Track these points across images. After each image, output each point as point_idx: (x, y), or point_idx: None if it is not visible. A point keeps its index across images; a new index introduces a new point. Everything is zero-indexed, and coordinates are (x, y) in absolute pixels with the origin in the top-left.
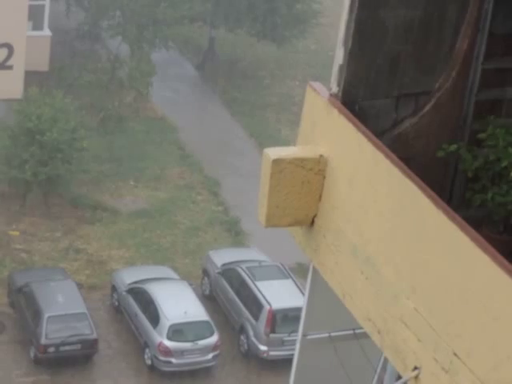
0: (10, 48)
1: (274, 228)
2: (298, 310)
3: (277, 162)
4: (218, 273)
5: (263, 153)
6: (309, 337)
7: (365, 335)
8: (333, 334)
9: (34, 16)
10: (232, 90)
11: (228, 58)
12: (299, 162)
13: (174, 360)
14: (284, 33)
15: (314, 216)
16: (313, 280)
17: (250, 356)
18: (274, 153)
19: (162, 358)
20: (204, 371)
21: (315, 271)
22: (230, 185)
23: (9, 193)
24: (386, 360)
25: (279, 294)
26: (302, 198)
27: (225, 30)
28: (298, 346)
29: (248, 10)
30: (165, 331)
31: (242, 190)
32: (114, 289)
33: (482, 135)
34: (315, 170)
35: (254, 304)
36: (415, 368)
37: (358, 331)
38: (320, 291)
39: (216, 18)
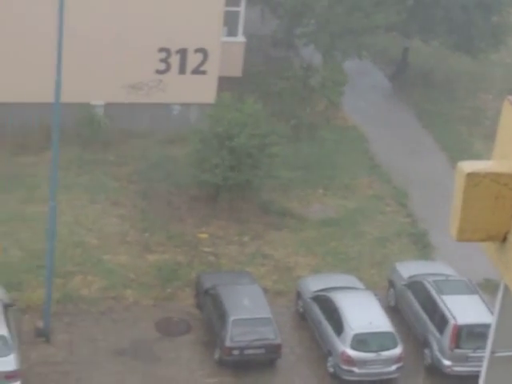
0: (204, 53)
1: (464, 242)
2: (484, 326)
3: (471, 175)
4: (404, 285)
5: (457, 166)
6: (497, 354)
7: None
8: None
9: (229, 22)
10: (424, 102)
11: (421, 69)
12: (494, 177)
13: (356, 369)
14: (479, 45)
15: (507, 232)
16: (504, 296)
17: (434, 370)
18: (468, 166)
19: (344, 366)
20: (386, 383)
21: (506, 288)
22: (419, 197)
23: (199, 196)
24: None
25: (465, 310)
26: (495, 213)
27: (419, 41)
28: (485, 363)
29: (443, 21)
30: (348, 340)
31: (431, 202)
32: (299, 295)
33: None
34: (510, 186)
35: (439, 318)
36: None
37: None
38: (511, 308)
39: (410, 28)
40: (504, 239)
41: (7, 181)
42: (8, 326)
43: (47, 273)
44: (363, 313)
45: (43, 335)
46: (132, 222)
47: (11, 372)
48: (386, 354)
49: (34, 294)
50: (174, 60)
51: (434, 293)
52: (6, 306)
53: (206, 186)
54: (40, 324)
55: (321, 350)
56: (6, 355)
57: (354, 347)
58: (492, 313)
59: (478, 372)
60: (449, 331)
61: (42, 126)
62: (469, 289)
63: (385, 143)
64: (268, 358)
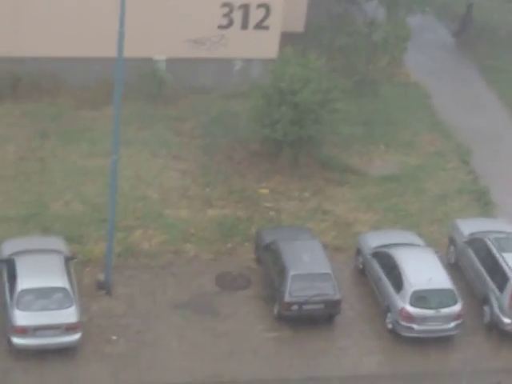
0: (267, 8)
1: None
2: None
3: None
4: (465, 242)
5: None
6: None
7: None
8: None
9: None
10: (488, 58)
11: (485, 25)
12: None
13: (415, 326)
14: None
15: None
16: None
17: (493, 328)
18: None
19: (403, 323)
20: (445, 340)
21: None
22: (481, 154)
23: (260, 151)
24: None
25: None
26: None
27: None
28: None
29: None
30: (408, 297)
31: (493, 159)
32: (358, 251)
33: None
34: None
35: (499, 276)
36: None
37: None
38: None
39: None
40: None
41: (69, 135)
42: (69, 278)
43: (109, 227)
44: (423, 269)
45: (104, 288)
46: (193, 176)
47: (72, 324)
48: (445, 310)
49: (96, 248)
50: (237, 15)
51: (494, 250)
52: (67, 259)
53: (268, 142)
54: (101, 277)
55: (380, 307)
56: (67, 307)
57: (413, 304)
58: None
59: None
60: (509, 289)
61: (104, 81)
62: None
63: (447, 99)
64: (327, 314)
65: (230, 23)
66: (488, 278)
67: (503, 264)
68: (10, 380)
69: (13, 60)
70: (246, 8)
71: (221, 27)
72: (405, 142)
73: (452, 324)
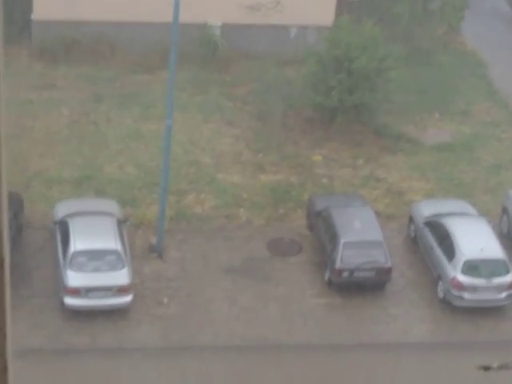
0: None
1: None
2: None
3: None
4: None
5: None
6: None
7: None
8: None
9: None
10: None
11: None
12: None
13: (466, 295)
14: None
15: None
16: None
17: None
18: None
19: (454, 292)
20: (496, 310)
21: None
22: None
23: (314, 118)
24: None
25: None
26: None
27: None
28: None
29: None
30: (459, 266)
31: None
32: (411, 220)
33: None
34: None
35: None
36: None
37: None
38: None
39: None
40: None
41: (124, 99)
42: (121, 241)
43: (161, 190)
44: (475, 239)
45: (156, 251)
46: (246, 142)
47: (124, 286)
48: (496, 280)
49: (148, 211)
50: None
51: None
52: (120, 222)
53: (321, 109)
54: (153, 240)
55: (431, 275)
56: (119, 269)
57: (464, 273)
58: None
59: None
60: None
61: (159, 46)
62: None
63: (505, 69)
64: (378, 281)
65: None
66: None
67: None
68: (62, 340)
69: (69, 24)
70: None
71: None
72: (460, 110)
73: (504, 294)
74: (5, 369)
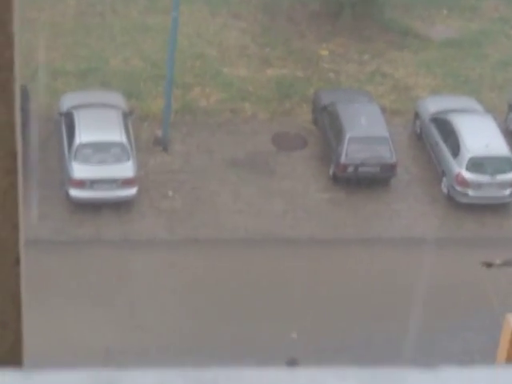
0: None
1: None
2: None
3: None
4: None
5: None
6: None
7: None
8: None
9: None
10: None
11: None
12: None
13: (470, 192)
14: None
15: None
16: None
17: None
18: None
19: (458, 188)
20: (500, 206)
21: None
22: None
23: (320, 12)
24: None
25: None
26: None
27: None
28: None
29: None
30: (464, 162)
31: None
32: (417, 116)
33: None
34: None
35: None
36: None
37: None
38: None
39: None
40: None
41: None
42: (127, 133)
43: (167, 83)
44: (481, 136)
45: (161, 144)
46: (252, 35)
47: (129, 178)
48: (501, 177)
49: (154, 104)
50: None
51: None
52: (125, 114)
53: (328, 2)
54: (158, 133)
55: (436, 172)
56: (124, 162)
57: (469, 169)
58: None
59: None
60: None
61: None
62: None
63: None
64: (382, 177)
65: None
66: None
67: None
68: (67, 231)
69: None
70: None
71: None
72: (468, 6)
73: (508, 191)
74: (17, 261)
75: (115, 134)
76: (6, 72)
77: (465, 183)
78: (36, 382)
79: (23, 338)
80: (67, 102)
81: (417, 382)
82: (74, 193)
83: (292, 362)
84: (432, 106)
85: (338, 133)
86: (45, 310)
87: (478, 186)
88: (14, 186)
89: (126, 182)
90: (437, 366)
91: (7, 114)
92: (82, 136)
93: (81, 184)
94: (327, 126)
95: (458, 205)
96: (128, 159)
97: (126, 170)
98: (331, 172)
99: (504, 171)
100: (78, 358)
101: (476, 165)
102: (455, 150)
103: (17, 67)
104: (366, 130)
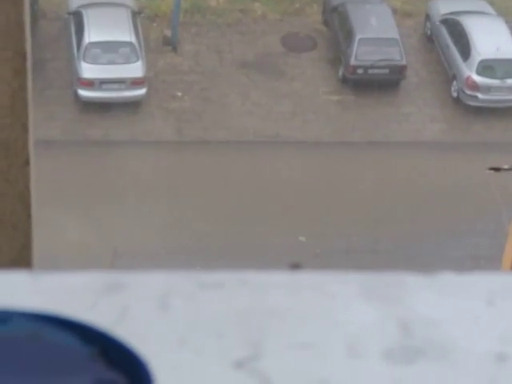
0: None
1: None
2: None
3: None
4: None
5: None
6: None
7: None
8: None
9: None
10: None
11: None
12: None
13: (480, 95)
14: None
15: None
16: None
17: None
18: None
19: (468, 91)
20: (509, 111)
21: None
22: None
23: None
24: None
25: None
26: None
27: None
28: None
29: None
30: (474, 66)
31: None
32: (427, 17)
33: None
34: None
35: None
36: None
37: None
38: None
39: None
40: None
41: None
42: (136, 33)
43: None
44: (492, 39)
45: (170, 44)
46: None
47: (138, 78)
48: (511, 81)
49: (163, 3)
50: None
51: None
52: (134, 14)
53: None
54: (168, 33)
55: (446, 75)
56: (133, 62)
57: (479, 73)
58: None
59: None
60: None
61: None
62: None
63: None
64: (392, 79)
65: None
66: None
67: None
68: (76, 131)
69: None
70: None
71: None
72: None
73: None
74: (27, 162)
75: (124, 34)
76: None
77: (474, 86)
78: (45, 282)
79: (33, 239)
80: (76, 0)
81: (417, 286)
82: (83, 93)
83: (295, 266)
84: (443, 7)
85: (348, 34)
86: (53, 210)
87: (488, 89)
88: (23, 86)
89: (135, 82)
90: (437, 271)
91: (16, 14)
92: (91, 35)
93: (90, 84)
94: (337, 27)
95: (468, 108)
96: (137, 59)
97: (135, 70)
98: (341, 74)
99: None
100: (86, 258)
101: (486, 68)
102: (466, 52)
103: None
104: (377, 32)
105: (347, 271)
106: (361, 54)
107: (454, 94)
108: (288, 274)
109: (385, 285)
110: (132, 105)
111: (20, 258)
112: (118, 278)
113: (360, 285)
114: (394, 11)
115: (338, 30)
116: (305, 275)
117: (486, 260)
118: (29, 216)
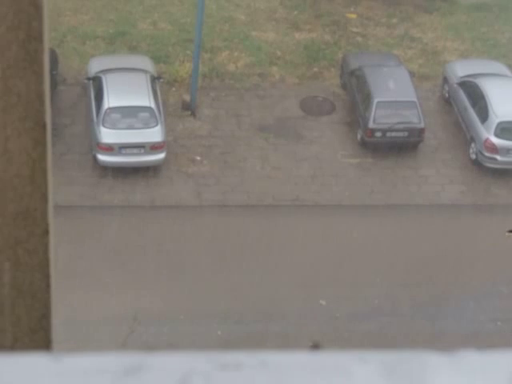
0: None
1: None
2: None
3: None
4: None
5: None
6: None
7: None
8: None
9: None
10: None
11: None
12: None
13: (499, 157)
14: None
15: None
16: None
17: None
18: None
19: (487, 154)
20: None
21: None
22: None
23: None
24: None
25: None
26: None
27: None
28: None
29: None
30: (493, 128)
31: None
32: (445, 80)
33: None
34: None
35: None
36: None
37: None
38: None
39: None
40: None
41: None
42: (155, 98)
43: (195, 47)
44: (510, 101)
45: (189, 109)
46: None
47: (157, 143)
48: None
49: (182, 68)
50: None
51: None
52: (153, 79)
53: None
54: (186, 97)
55: (464, 137)
56: (152, 127)
57: (497, 135)
58: None
59: None
60: None
61: None
62: None
63: None
64: (410, 142)
65: None
66: None
67: None
68: (95, 196)
69: None
70: None
71: None
72: None
73: None
74: (46, 231)
75: (143, 99)
76: (35, 43)
77: (493, 148)
78: (65, 365)
79: (51, 308)
80: (95, 66)
81: (438, 365)
82: (102, 158)
83: (315, 346)
84: (460, 69)
85: (366, 97)
86: (73, 278)
87: (507, 151)
88: (43, 157)
89: (155, 147)
90: (457, 350)
91: (37, 85)
92: (111, 100)
93: (109, 149)
94: (355, 90)
95: (486, 170)
96: (156, 124)
97: (155, 134)
98: (359, 137)
99: None
100: (106, 322)
101: (504, 130)
102: (484, 114)
103: (46, 38)
104: (394, 95)
105: (367, 350)
106: (379, 117)
107: (473, 156)
108: (308, 354)
109: (406, 364)
110: (151, 169)
111: (39, 327)
112: (136, 360)
113: (381, 364)
114: (412, 74)
115: (356, 93)
116: (325, 355)
117: (502, 322)
118: (48, 286)
